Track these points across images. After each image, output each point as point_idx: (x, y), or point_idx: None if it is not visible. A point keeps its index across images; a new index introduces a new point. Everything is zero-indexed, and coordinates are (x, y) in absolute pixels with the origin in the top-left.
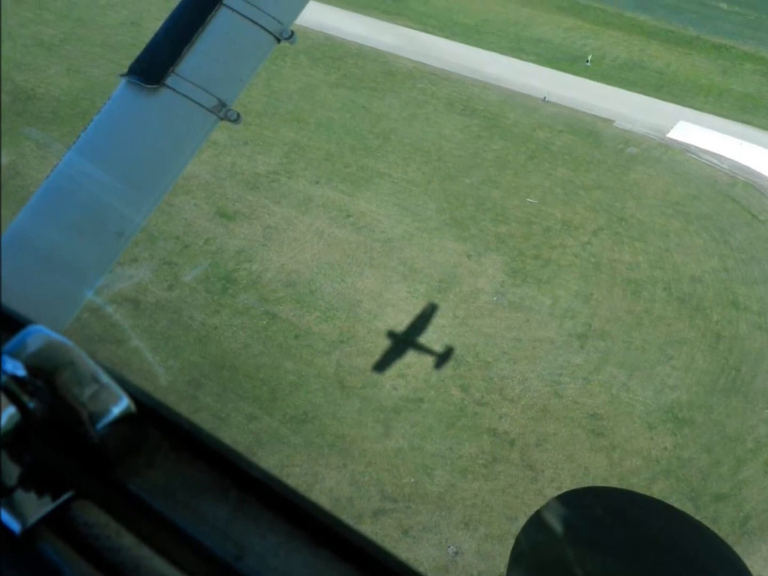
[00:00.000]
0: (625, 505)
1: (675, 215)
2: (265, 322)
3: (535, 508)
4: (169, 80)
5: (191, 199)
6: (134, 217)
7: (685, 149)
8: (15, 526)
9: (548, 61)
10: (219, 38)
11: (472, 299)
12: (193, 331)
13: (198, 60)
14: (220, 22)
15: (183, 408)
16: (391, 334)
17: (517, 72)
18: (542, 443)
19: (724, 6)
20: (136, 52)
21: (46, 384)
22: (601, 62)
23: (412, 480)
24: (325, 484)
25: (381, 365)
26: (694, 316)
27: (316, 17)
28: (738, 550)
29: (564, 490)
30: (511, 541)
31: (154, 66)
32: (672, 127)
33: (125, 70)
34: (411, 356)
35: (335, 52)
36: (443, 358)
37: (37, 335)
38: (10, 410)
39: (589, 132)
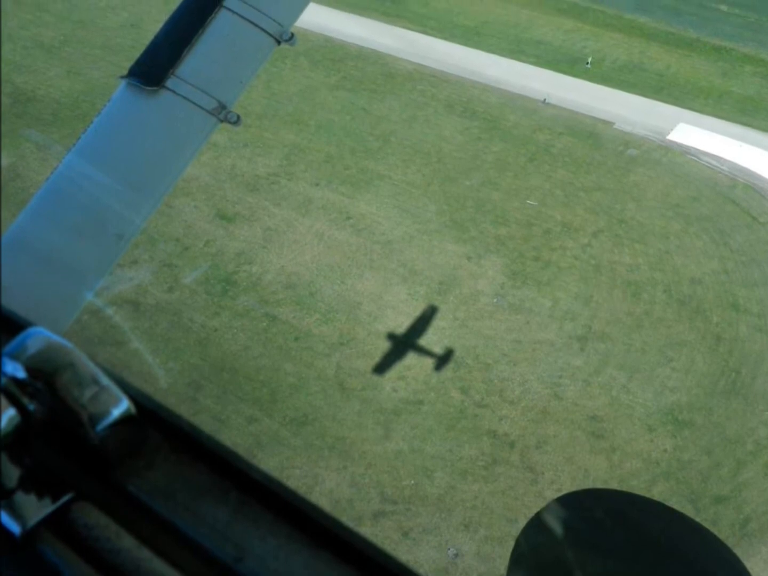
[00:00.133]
0: (625, 507)
1: (675, 217)
2: (265, 324)
3: (535, 510)
4: (169, 82)
5: (191, 201)
6: (134, 219)
7: (685, 151)
8: (15, 528)
9: (548, 63)
10: (219, 40)
11: (472, 301)
12: (193, 333)
13: (198, 62)
14: (220, 24)
15: (183, 410)
16: (391, 336)
17: (517, 74)
18: (542, 445)
19: (724, 8)
20: (136, 54)
21: (46, 386)
22: (601, 64)
23: (412, 482)
24: (325, 486)
25: (381, 367)
26: (694, 318)
27: (316, 19)
28: (738, 552)
29: (564, 492)
30: (511, 543)
31: (154, 68)
32: (672, 129)
33: (125, 72)
34: (411, 358)
35: (335, 54)
36: (443, 360)
37: (37, 337)
38: (10, 412)
39: (589, 134)
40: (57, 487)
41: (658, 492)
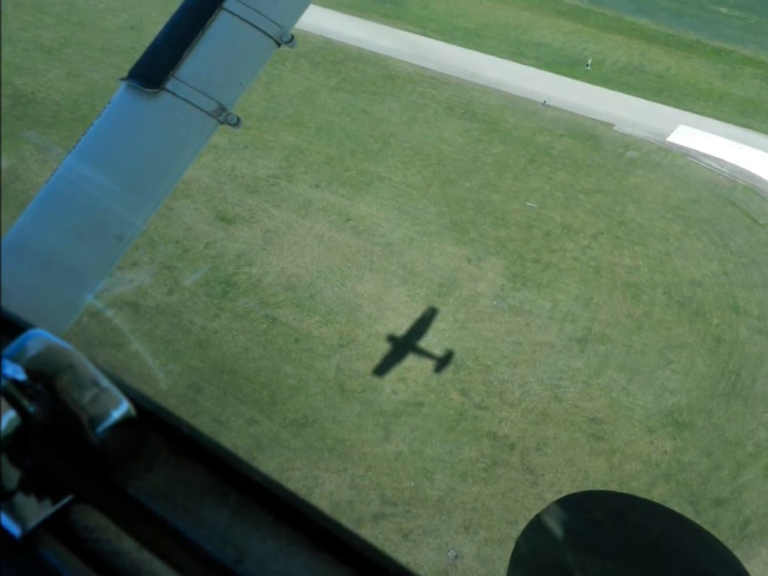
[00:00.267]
0: (625, 509)
1: (675, 219)
2: (265, 325)
3: (535, 512)
4: (169, 84)
5: (191, 203)
6: (134, 221)
7: (685, 153)
8: (15, 530)
9: (548, 65)
10: (219, 42)
11: (472, 303)
12: (193, 335)
13: (198, 64)
14: (220, 26)
15: (183, 412)
16: (391, 338)
17: (517, 76)
18: (542, 447)
19: (724, 10)
20: (136, 56)
21: (46, 388)
22: (601, 66)
23: (412, 484)
24: (325, 488)
25: (381, 369)
26: (694, 320)
27: (316, 21)
28: (738, 554)
29: (564, 494)
30: (511, 545)
31: (154, 70)
32: (672, 131)
33: (125, 74)
34: (411, 360)
35: (335, 56)
36: (443, 362)
37: (37, 339)
38: (10, 414)
39: (589, 136)
40: (57, 489)
41: (658, 494)
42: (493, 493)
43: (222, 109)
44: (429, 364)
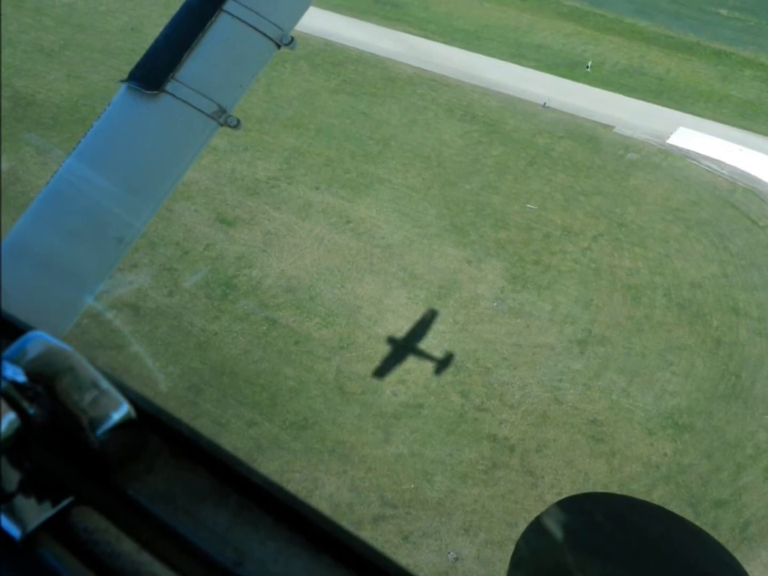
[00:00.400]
0: (625, 510)
1: (675, 221)
2: (265, 327)
3: (535, 514)
4: (169, 86)
5: (191, 204)
6: (134, 223)
7: (685, 155)
8: (15, 532)
9: (548, 67)
10: (219, 44)
11: (472, 305)
12: (193, 337)
13: (198, 66)
14: (220, 27)
15: (183, 414)
16: (391, 340)
17: (517, 78)
18: (542, 449)
19: (724, 12)
20: (136, 57)
21: (46, 390)
22: (601, 68)
23: (412, 486)
24: (325, 490)
25: (381, 371)
26: (694, 322)
27: (316, 23)
28: (738, 556)
29: (564, 495)
30: (511, 547)
31: (154, 72)
32: (672, 133)
33: (125, 75)
34: (411, 362)
35: (335, 58)
36: (443, 363)
37: (37, 341)
38: (10, 416)
39: (589, 138)
40: (57, 490)
41: (658, 496)
42: (493, 495)
43: (222, 110)
44: (429, 366)
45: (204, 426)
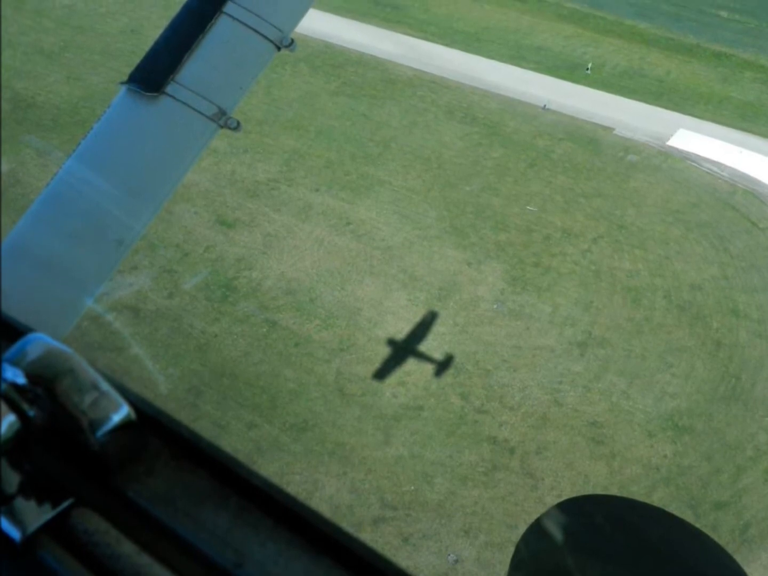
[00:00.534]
0: (626, 512)
1: (675, 223)
2: (265, 329)
3: (535, 516)
4: (169, 88)
5: (191, 206)
6: (134, 225)
7: (685, 157)
8: (15, 534)
9: (548, 69)
10: (219, 46)
11: (472, 307)
12: (193, 339)
13: (198, 68)
14: (220, 29)
15: (183, 416)
16: (391, 342)
17: (517, 80)
18: (542, 451)
19: (724, 14)
20: (136, 59)
21: (46, 392)
22: (601, 70)
23: (412, 488)
24: (325, 492)
25: (381, 373)
26: (694, 324)
27: (316, 25)
28: (738, 558)
29: (564, 497)
30: (511, 549)
31: (154, 74)
32: (672, 135)
33: (125, 77)
34: (411, 364)
35: (335, 60)
36: (443, 365)
37: (37, 343)
38: (10, 418)
39: (589, 140)
40: (57, 492)
41: (658, 498)
42: (493, 497)
43: (222, 112)
44: (429, 368)
45: (204, 428)
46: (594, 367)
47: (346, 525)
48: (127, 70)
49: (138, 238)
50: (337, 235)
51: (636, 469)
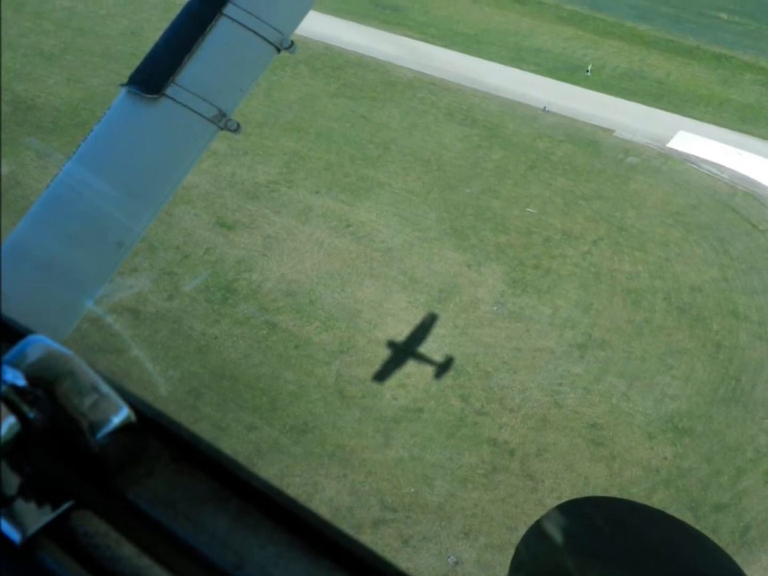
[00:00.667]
0: (625, 514)
1: (675, 225)
2: (265, 331)
3: (535, 518)
4: (169, 90)
5: (191, 208)
6: (134, 227)
7: (684, 159)
8: (15, 536)
9: (548, 71)
10: (219, 48)
11: (472, 309)
12: (193, 341)
13: (198, 70)
14: (220, 31)
15: (183, 418)
16: (391, 344)
17: (517, 82)
18: (542, 453)
19: (724, 16)
20: (137, 61)
21: (46, 394)
22: (601, 72)
23: (412, 490)
24: (325, 494)
25: (381, 375)
26: (694, 326)
27: (316, 27)
28: (738, 560)
29: (564, 499)
30: (511, 551)
31: (154, 76)
32: (672, 137)
33: (125, 79)
34: (411, 366)
35: (335, 62)
36: (443, 367)
37: (37, 345)
38: (10, 420)
39: (589, 142)
40: (57, 494)
41: (658, 500)
42: (493, 499)
43: (222, 114)
44: (429, 370)
45: (204, 430)
46: (594, 368)
47: (346, 527)
48: (127, 72)
49: (138, 240)
50: (337, 237)
51: (636, 471)
